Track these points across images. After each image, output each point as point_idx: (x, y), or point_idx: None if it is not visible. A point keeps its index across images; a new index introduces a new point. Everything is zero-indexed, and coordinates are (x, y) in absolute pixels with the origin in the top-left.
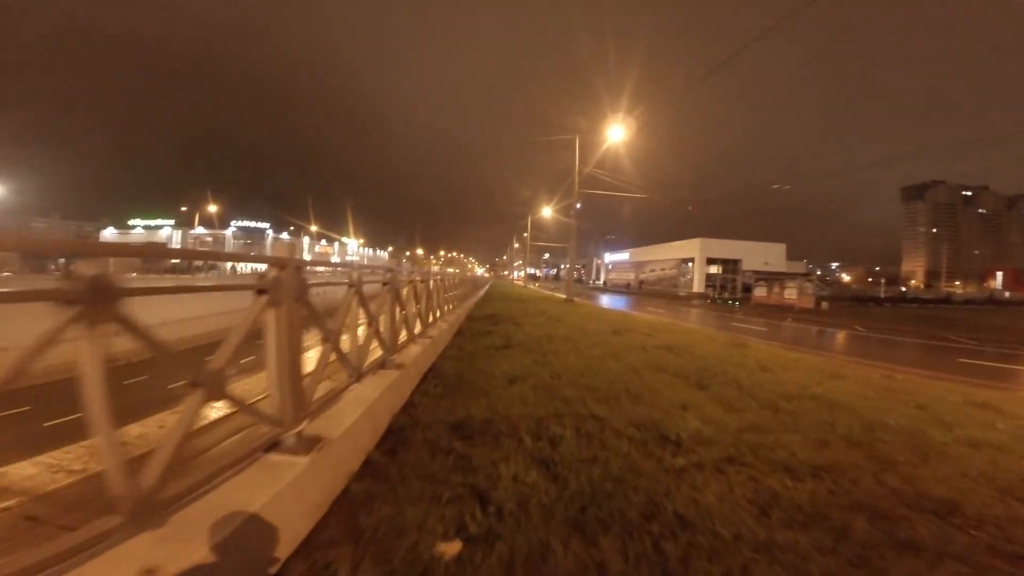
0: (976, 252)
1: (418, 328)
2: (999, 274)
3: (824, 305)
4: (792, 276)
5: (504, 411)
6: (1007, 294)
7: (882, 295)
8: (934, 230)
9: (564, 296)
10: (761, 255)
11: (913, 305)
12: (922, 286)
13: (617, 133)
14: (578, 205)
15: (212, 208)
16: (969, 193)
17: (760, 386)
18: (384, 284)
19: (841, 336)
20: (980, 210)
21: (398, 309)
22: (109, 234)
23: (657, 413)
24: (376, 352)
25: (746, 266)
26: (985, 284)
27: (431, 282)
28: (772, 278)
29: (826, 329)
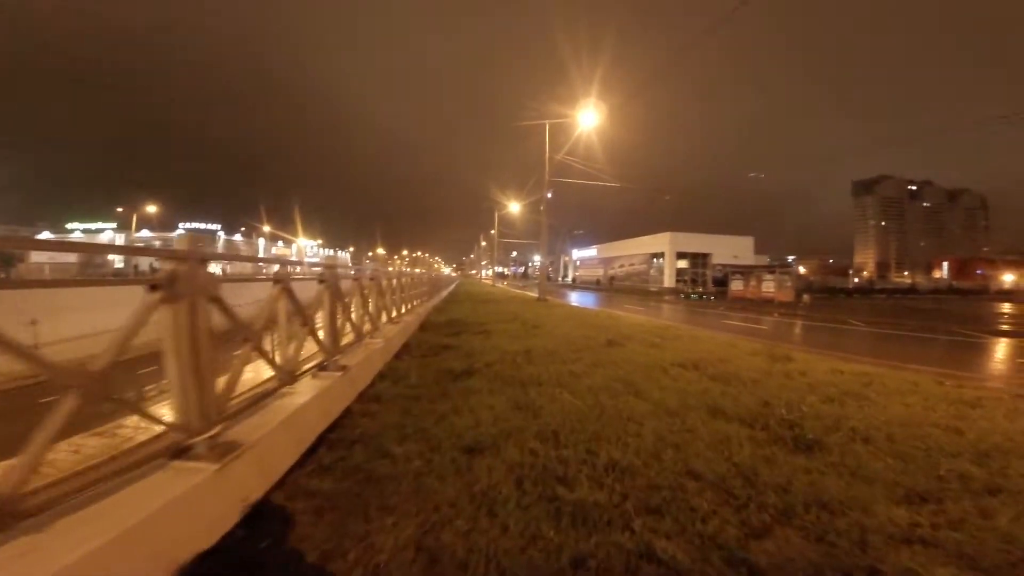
0: (922, 244)
1: (367, 327)
2: (945, 264)
3: (805, 298)
4: (767, 268)
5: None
6: (953, 283)
7: (850, 287)
8: (883, 223)
9: (536, 295)
10: (730, 248)
11: (881, 296)
12: (874, 276)
13: (588, 118)
14: (549, 194)
15: (152, 209)
16: (914, 187)
17: (907, 442)
18: (321, 281)
19: (851, 333)
20: (924, 203)
21: (340, 308)
22: (45, 237)
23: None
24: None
25: (715, 259)
26: (931, 274)
27: (384, 281)
28: (746, 271)
29: (826, 325)
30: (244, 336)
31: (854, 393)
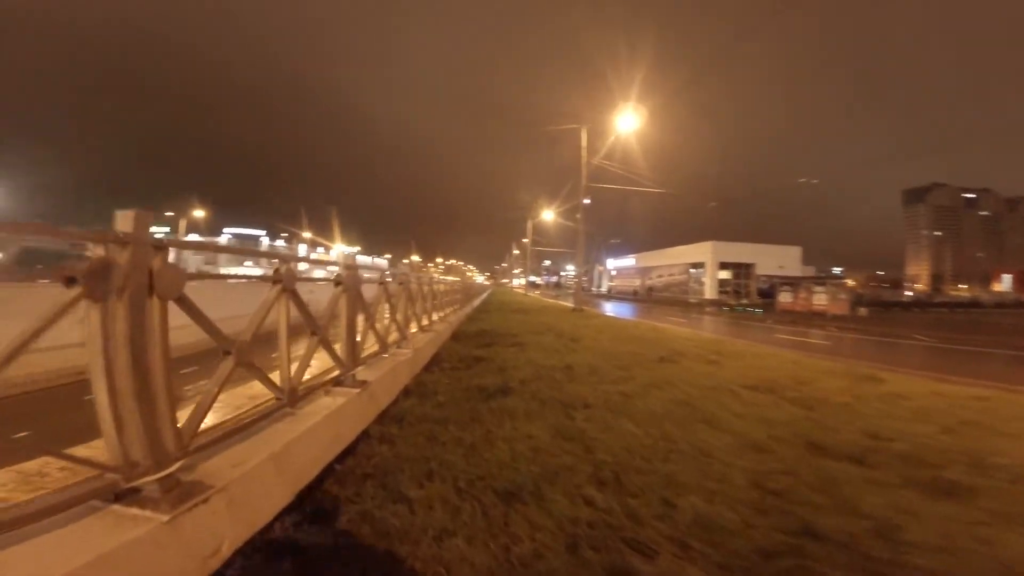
0: (979, 255)
1: (393, 336)
2: (1006, 276)
3: (862, 311)
4: (817, 280)
5: None
6: (1022, 297)
7: (906, 299)
8: (936, 233)
9: (571, 305)
10: (775, 258)
11: (942, 309)
12: (928, 289)
13: (627, 121)
14: (586, 200)
15: (199, 214)
16: (971, 195)
17: None
18: (337, 284)
19: (926, 350)
20: (982, 212)
21: (362, 315)
22: None
23: None
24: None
25: (759, 270)
26: (990, 286)
27: (413, 286)
28: (795, 283)
29: (893, 340)
30: (223, 348)
31: (972, 422)
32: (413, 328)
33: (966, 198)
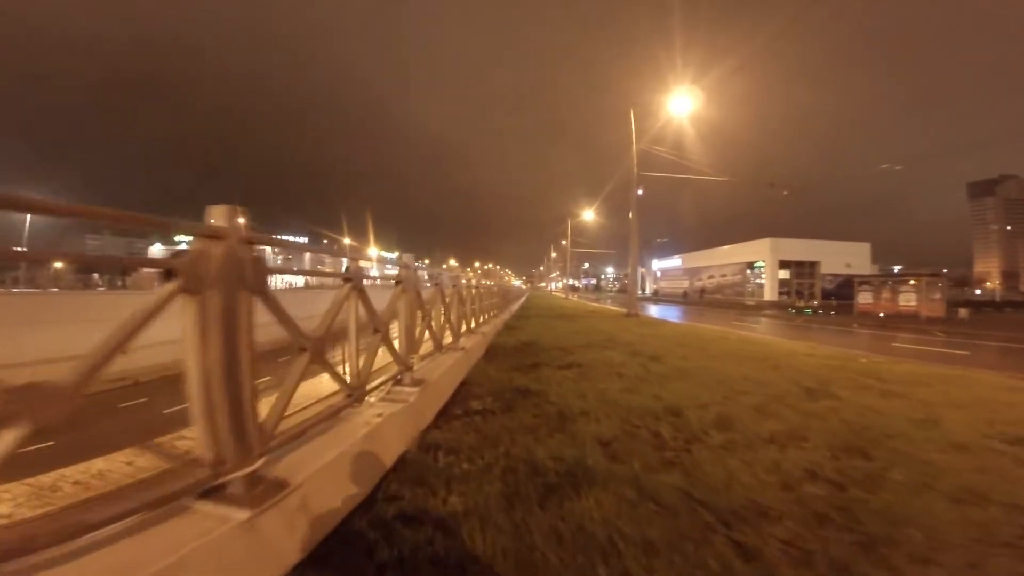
0: None
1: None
2: None
3: (963, 313)
4: (902, 278)
5: None
6: None
7: (998, 299)
8: (1008, 227)
9: (617, 309)
10: (841, 255)
11: None
12: (998, 287)
13: (680, 104)
14: (640, 191)
15: (241, 221)
16: None
17: None
18: (397, 282)
19: None
20: None
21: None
22: (156, 250)
23: None
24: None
25: (824, 269)
26: None
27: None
28: (877, 282)
29: None
30: (300, 346)
31: None
32: (420, 353)
33: None
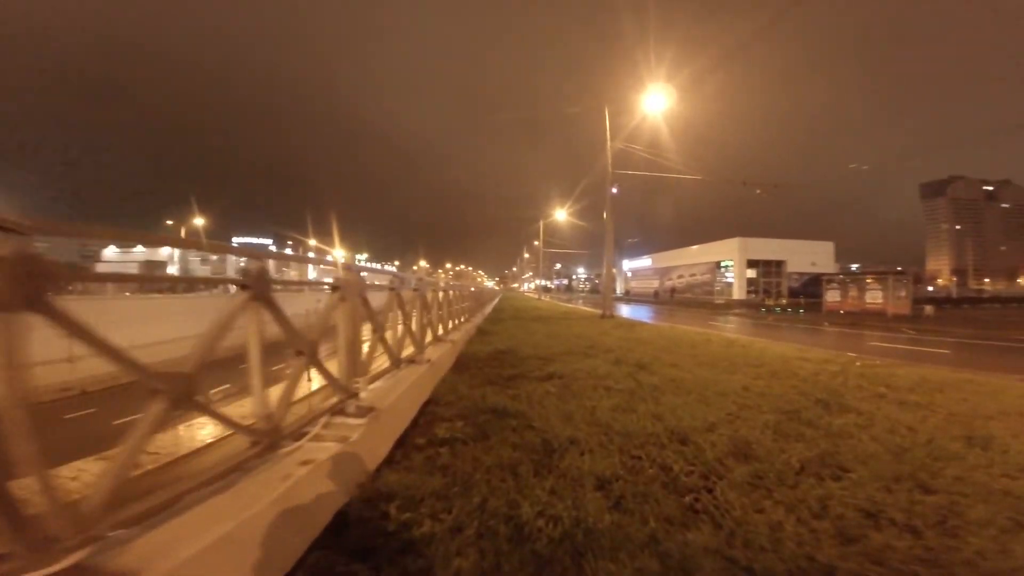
0: (1002, 248)
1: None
2: None
3: (928, 310)
4: (864, 276)
5: None
6: None
7: (954, 295)
8: (957, 227)
9: (591, 310)
10: (806, 255)
11: (995, 305)
12: (950, 284)
13: (656, 102)
14: (614, 189)
15: (200, 222)
16: (991, 188)
17: None
18: (334, 289)
19: None
20: (1003, 204)
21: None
22: (110, 253)
23: None
24: None
25: (790, 267)
26: (1015, 280)
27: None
28: (844, 280)
29: (1005, 345)
30: (299, 348)
31: None
32: (374, 367)
33: (986, 191)
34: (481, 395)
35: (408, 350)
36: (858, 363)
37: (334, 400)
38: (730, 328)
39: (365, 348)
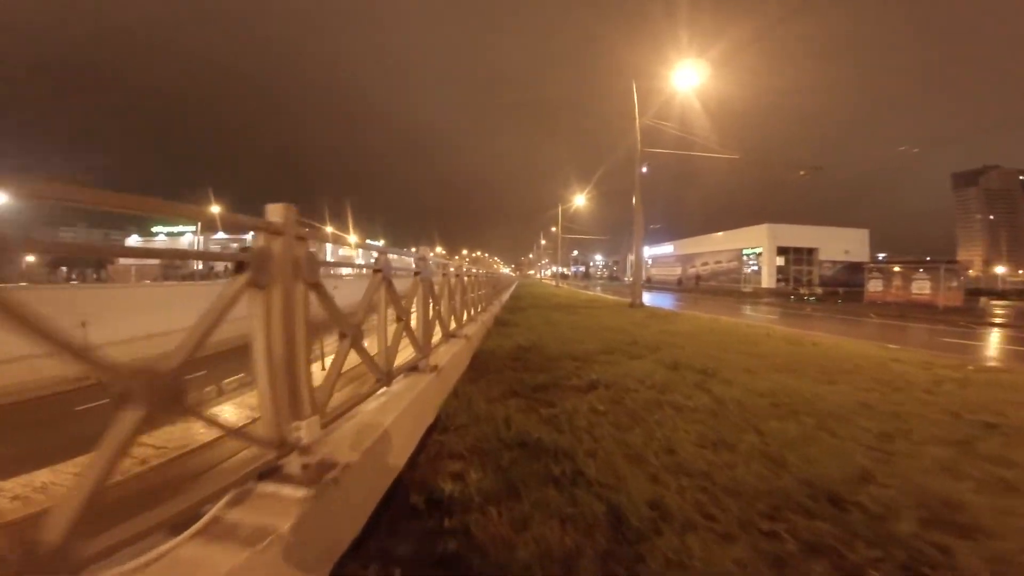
0: None
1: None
2: None
3: (984, 302)
4: (915, 265)
5: None
6: None
7: (999, 288)
8: (991, 217)
9: (618, 298)
10: (839, 242)
11: None
12: (979, 274)
13: (685, 79)
14: (644, 169)
15: (215, 209)
16: None
17: None
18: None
19: None
20: None
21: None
22: (133, 241)
23: None
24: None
25: (822, 255)
26: None
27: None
28: (888, 269)
29: None
30: (344, 332)
31: None
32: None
33: (1021, 180)
34: (504, 416)
35: (402, 358)
36: (970, 367)
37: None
38: (773, 320)
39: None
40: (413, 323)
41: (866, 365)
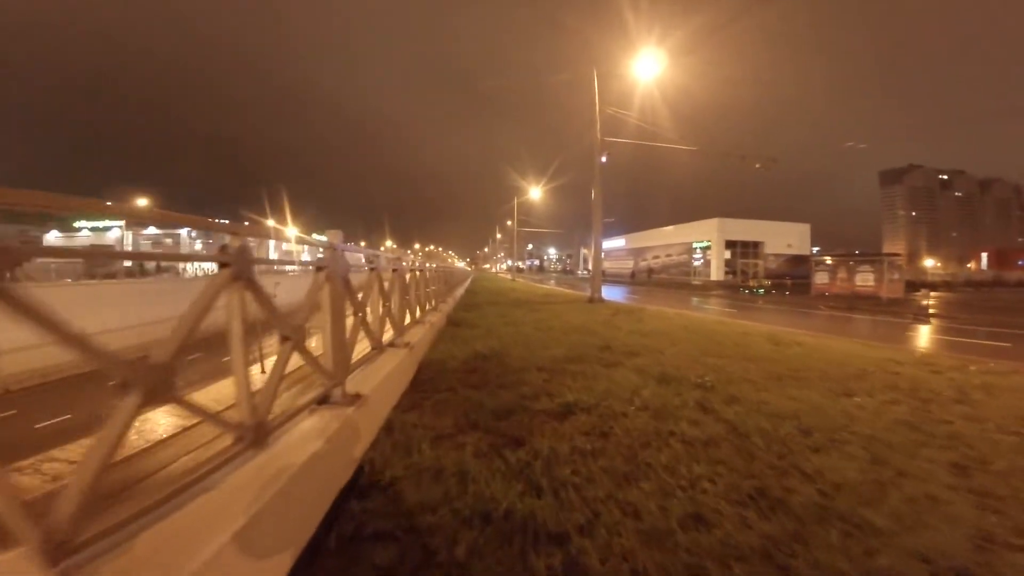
0: (954, 234)
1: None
2: (984, 255)
3: (922, 294)
4: (858, 258)
5: None
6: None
7: (930, 280)
8: (913, 213)
9: (575, 292)
10: (783, 236)
11: (967, 289)
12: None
13: (644, 69)
14: (603, 158)
15: (143, 202)
16: (945, 177)
17: None
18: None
19: None
20: (956, 193)
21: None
22: (53, 238)
23: None
24: None
25: (767, 249)
26: (964, 265)
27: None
28: (834, 262)
29: None
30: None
31: None
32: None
33: (941, 179)
34: (457, 466)
35: (301, 398)
36: (972, 367)
37: None
38: (734, 313)
39: None
40: (315, 341)
41: (868, 368)
